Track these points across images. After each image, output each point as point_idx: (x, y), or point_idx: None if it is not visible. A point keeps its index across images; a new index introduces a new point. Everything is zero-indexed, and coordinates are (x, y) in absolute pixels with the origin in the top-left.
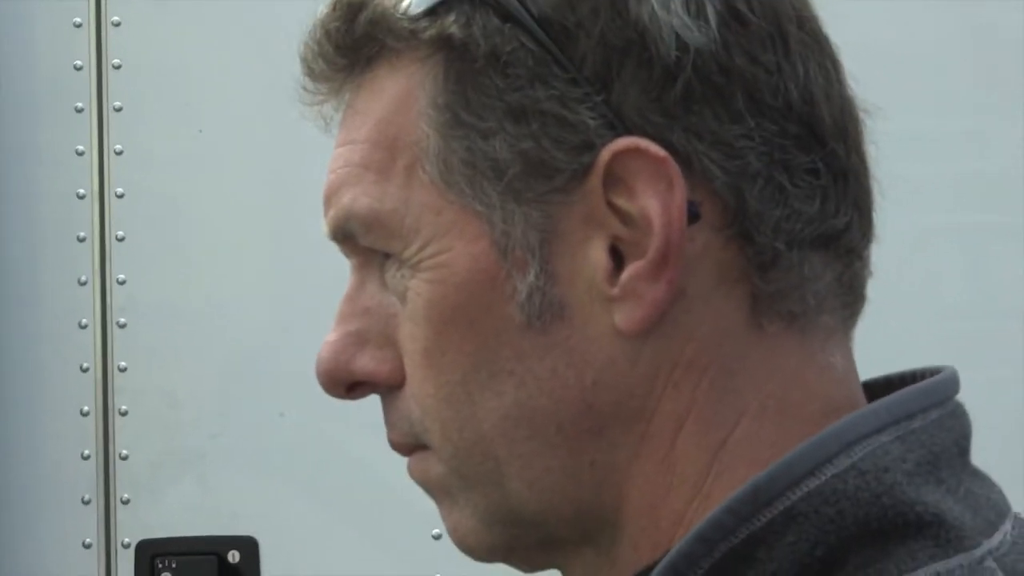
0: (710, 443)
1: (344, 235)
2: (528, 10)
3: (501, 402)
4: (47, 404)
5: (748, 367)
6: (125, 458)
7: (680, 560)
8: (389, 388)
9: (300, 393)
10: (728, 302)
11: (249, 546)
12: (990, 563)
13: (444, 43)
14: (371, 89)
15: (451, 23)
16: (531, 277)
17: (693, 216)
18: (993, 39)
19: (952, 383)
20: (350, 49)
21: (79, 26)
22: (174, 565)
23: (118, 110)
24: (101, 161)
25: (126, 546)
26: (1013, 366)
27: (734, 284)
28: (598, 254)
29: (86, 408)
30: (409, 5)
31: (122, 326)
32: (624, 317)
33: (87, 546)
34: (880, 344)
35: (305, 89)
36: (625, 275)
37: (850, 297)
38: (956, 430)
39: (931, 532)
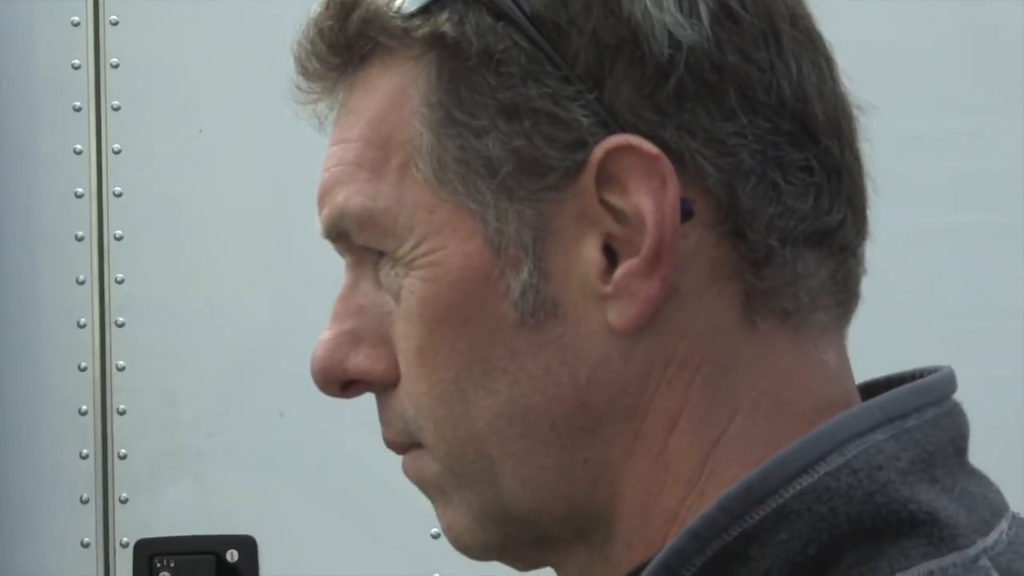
0: (703, 441)
1: (338, 233)
2: (521, 8)
3: (494, 400)
4: (46, 403)
5: (741, 364)
6: (124, 457)
7: (673, 557)
8: (383, 386)
9: (299, 393)
10: (721, 299)
11: (248, 545)
12: (984, 562)
13: (437, 41)
14: (364, 87)
15: (444, 21)
16: (524, 275)
17: (686, 213)
18: (993, 39)
19: (949, 382)
20: (343, 48)
21: (77, 25)
22: (173, 564)
23: (116, 109)
24: (99, 160)
25: (124, 545)
26: (1012, 366)
27: (727, 281)
28: (591, 252)
29: (84, 407)
30: (402, 4)
31: (120, 325)
32: (617, 315)
33: (85, 545)
34: (879, 344)
35: (299, 88)
36: (618, 273)
37: (844, 295)
38: (952, 429)
39: (924, 530)
